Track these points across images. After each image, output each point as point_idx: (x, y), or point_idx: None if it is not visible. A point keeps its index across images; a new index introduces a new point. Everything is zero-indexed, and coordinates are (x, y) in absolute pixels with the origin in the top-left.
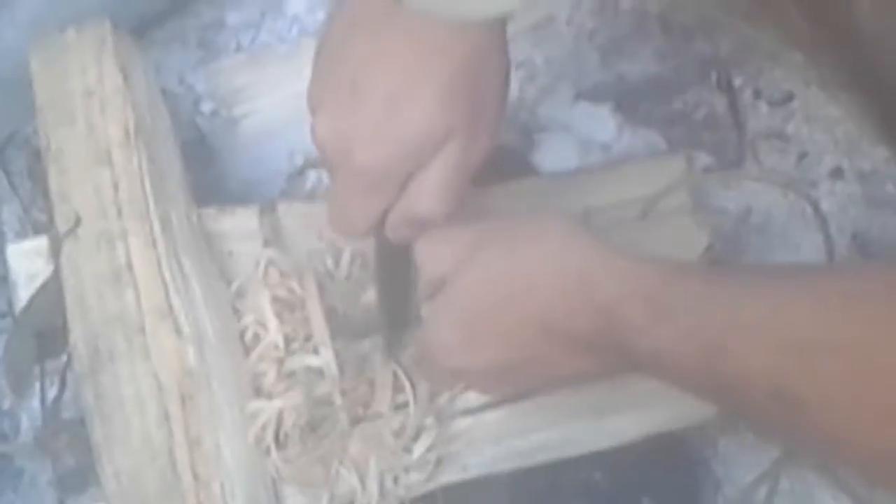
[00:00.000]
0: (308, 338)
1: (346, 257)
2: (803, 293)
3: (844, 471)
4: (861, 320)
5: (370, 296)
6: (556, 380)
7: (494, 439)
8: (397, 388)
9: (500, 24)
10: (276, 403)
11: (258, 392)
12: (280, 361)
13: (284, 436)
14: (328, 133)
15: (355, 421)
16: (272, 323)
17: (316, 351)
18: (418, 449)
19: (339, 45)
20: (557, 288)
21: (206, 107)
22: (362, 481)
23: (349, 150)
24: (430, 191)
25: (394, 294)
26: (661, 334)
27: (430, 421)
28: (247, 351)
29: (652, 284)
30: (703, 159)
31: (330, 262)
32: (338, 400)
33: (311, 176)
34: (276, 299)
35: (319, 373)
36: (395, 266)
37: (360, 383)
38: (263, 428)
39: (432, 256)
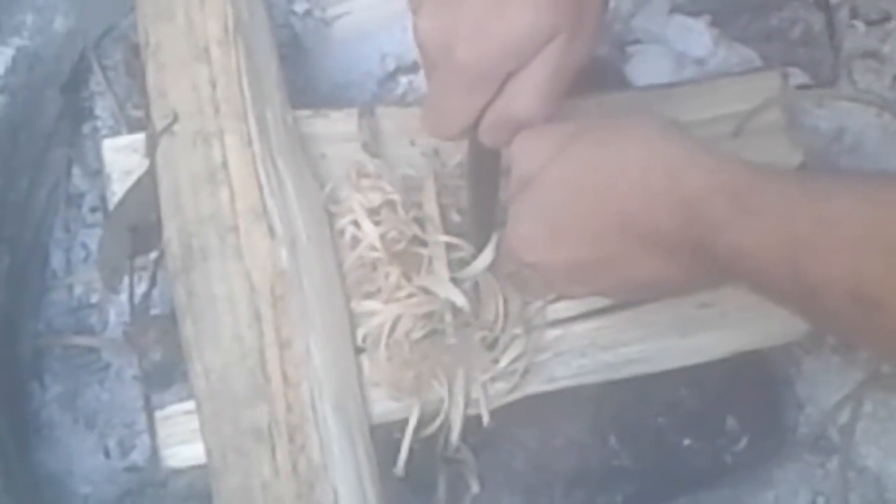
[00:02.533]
0: (413, 239)
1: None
2: (891, 194)
3: None
4: None
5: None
6: (634, 283)
7: (581, 351)
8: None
9: None
10: (395, 308)
11: (357, 293)
12: (378, 262)
13: (396, 342)
14: (430, 29)
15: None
16: (367, 225)
17: (431, 267)
18: (506, 359)
19: None
20: (640, 181)
21: (300, 7)
22: (450, 389)
23: (450, 47)
24: (529, 91)
25: (483, 198)
26: (744, 229)
27: (518, 331)
28: (344, 252)
29: (738, 180)
30: (798, 77)
31: (438, 165)
32: (448, 317)
33: (403, 81)
34: (371, 202)
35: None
36: (486, 170)
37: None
38: (379, 328)
39: (525, 152)
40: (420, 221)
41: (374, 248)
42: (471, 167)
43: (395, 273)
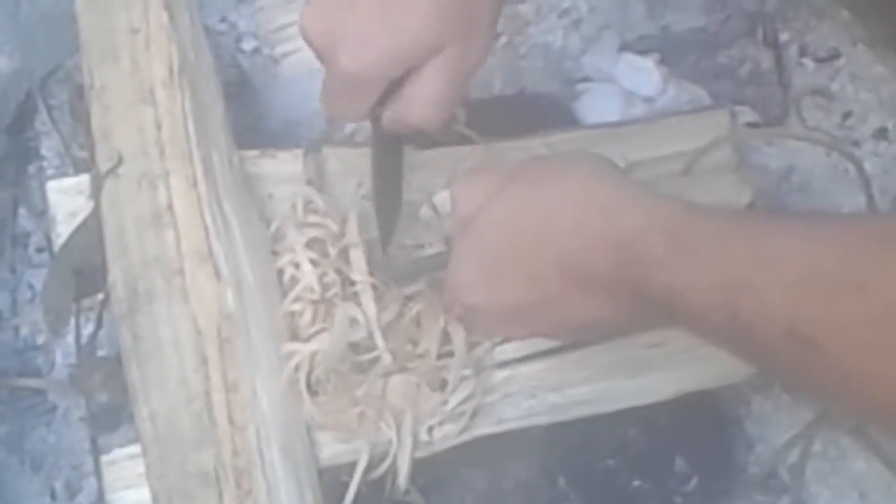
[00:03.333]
0: (348, 280)
1: None
2: (830, 233)
3: (878, 434)
4: (887, 262)
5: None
6: (574, 325)
7: (530, 392)
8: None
9: None
10: (311, 346)
11: (294, 335)
12: (316, 304)
13: (318, 381)
14: (317, 28)
15: (395, 368)
16: (307, 265)
17: (356, 295)
18: (454, 400)
19: None
20: (578, 221)
21: (248, 45)
22: (398, 431)
23: (335, 51)
24: (423, 100)
25: (386, 184)
26: (681, 268)
27: (467, 372)
28: (284, 293)
29: (675, 219)
30: (747, 115)
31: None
32: (380, 344)
33: None
34: (314, 240)
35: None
36: (388, 154)
37: (402, 328)
38: (296, 370)
39: (465, 194)
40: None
41: (311, 290)
42: (374, 150)
43: (317, 311)
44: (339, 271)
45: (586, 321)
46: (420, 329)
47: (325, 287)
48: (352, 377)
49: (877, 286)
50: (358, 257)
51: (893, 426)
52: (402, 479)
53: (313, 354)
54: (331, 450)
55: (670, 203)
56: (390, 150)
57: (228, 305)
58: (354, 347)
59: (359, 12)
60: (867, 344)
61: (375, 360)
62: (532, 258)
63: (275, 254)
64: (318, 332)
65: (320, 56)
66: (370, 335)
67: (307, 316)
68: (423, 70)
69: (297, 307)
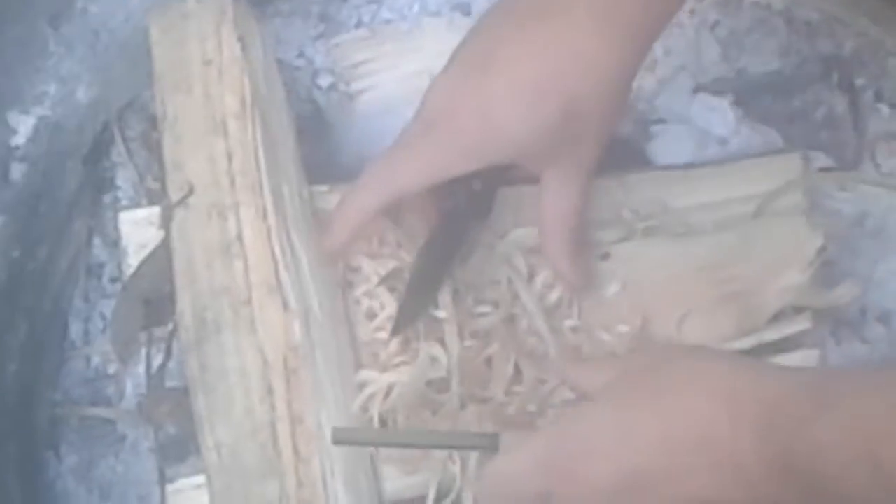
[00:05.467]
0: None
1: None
2: None
3: None
4: None
5: None
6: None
7: None
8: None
9: None
10: (388, 377)
11: (374, 364)
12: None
13: (388, 413)
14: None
15: (466, 403)
16: (386, 296)
17: (441, 338)
18: None
19: None
20: (724, 395)
21: (324, 81)
22: (462, 467)
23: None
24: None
25: (433, 261)
26: (827, 423)
27: (532, 408)
28: (359, 324)
29: (813, 378)
30: (821, 159)
31: None
32: (454, 386)
33: None
34: (392, 273)
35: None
36: (448, 231)
37: (477, 365)
38: (370, 398)
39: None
40: None
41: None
42: (433, 240)
43: (394, 342)
44: None
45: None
46: (490, 370)
47: None
48: (422, 412)
49: None
50: (444, 292)
51: None
52: None
53: (390, 386)
54: (395, 484)
55: (802, 368)
56: (456, 226)
57: (295, 337)
58: (430, 384)
59: (482, 91)
60: None
61: (445, 399)
62: None
63: (350, 284)
64: (398, 365)
65: (430, 113)
66: (449, 374)
67: (392, 347)
68: (545, 179)
69: (380, 336)
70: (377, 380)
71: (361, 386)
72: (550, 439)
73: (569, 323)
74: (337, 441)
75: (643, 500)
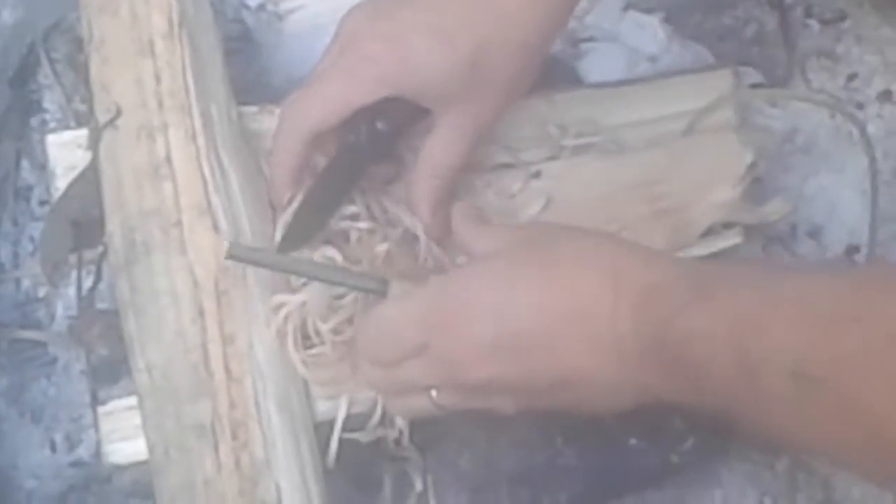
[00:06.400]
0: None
1: None
2: (829, 275)
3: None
4: (888, 293)
5: None
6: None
7: None
8: None
9: None
10: (299, 297)
11: (286, 287)
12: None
13: (311, 333)
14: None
15: None
16: None
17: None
18: None
19: None
20: (609, 272)
21: (253, 1)
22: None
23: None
24: (435, 149)
25: (328, 189)
26: (701, 312)
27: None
28: None
29: (695, 268)
30: (751, 76)
31: None
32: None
33: None
34: None
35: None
36: (349, 162)
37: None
38: (285, 321)
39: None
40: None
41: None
42: (323, 178)
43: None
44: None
45: (579, 381)
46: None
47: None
48: (346, 328)
49: (874, 316)
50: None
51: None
52: (396, 431)
53: (303, 305)
54: (328, 404)
55: (688, 259)
56: (355, 161)
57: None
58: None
59: (395, 22)
60: (865, 371)
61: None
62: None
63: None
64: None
65: (343, 40)
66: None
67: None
68: (437, 122)
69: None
70: (290, 300)
71: (276, 308)
72: (436, 293)
73: None
74: (231, 256)
75: (518, 361)
